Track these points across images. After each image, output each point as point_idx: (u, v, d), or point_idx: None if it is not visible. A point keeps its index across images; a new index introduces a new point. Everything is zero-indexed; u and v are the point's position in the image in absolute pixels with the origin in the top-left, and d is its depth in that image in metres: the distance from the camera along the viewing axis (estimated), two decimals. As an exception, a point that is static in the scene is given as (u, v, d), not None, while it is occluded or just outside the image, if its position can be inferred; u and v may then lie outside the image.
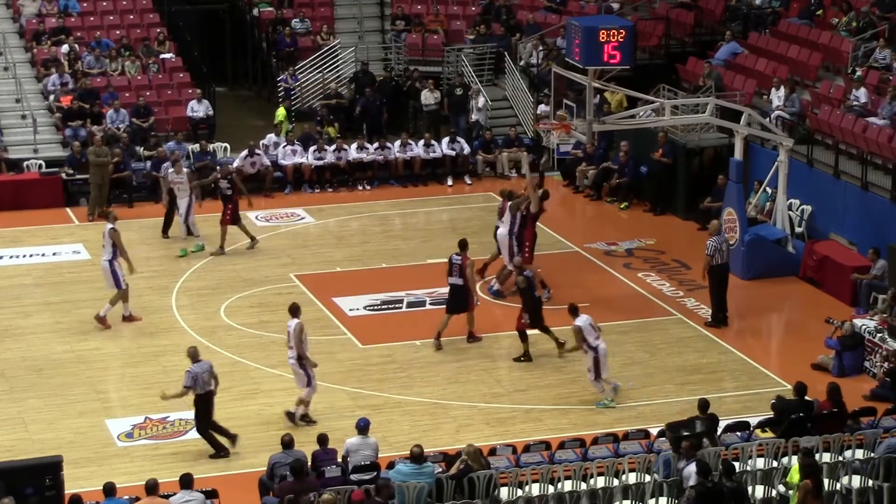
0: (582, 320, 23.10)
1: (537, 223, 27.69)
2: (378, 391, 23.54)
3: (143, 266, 29.15)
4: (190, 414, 22.47)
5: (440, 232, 31.75)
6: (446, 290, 26.69)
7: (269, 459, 19.42)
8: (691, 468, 18.33)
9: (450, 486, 18.84)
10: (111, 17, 38.97)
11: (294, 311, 22.49)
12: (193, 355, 21.46)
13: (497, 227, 27.81)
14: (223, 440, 21.37)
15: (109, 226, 26.04)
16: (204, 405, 21.23)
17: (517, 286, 24.97)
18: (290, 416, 22.25)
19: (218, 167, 31.54)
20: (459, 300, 25.35)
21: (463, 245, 25.70)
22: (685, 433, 19.43)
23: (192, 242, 29.86)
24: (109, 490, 18.11)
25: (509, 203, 27.25)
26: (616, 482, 19.31)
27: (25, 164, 33.85)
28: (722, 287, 26.22)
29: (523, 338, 24.72)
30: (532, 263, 27.01)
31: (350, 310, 26.89)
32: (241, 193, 30.05)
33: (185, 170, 30.05)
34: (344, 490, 18.49)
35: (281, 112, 36.29)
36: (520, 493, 19.16)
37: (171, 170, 30.44)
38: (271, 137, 35.03)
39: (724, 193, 29.36)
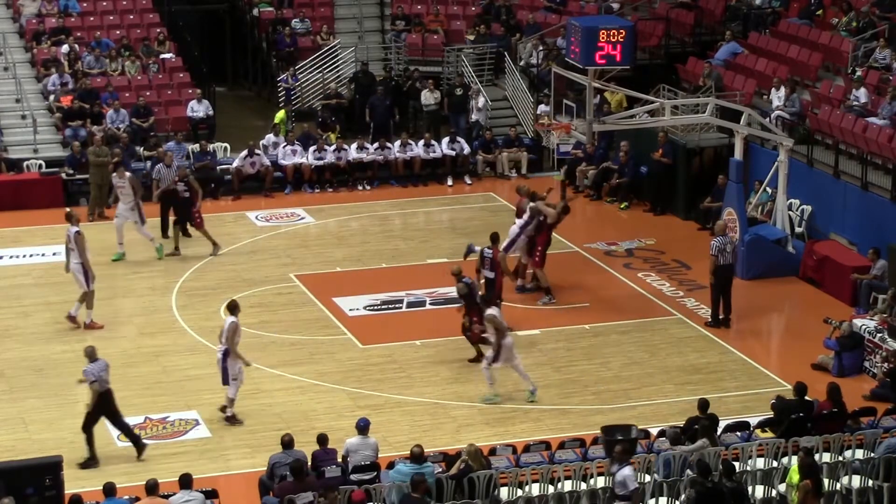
0: (494, 309, 23.23)
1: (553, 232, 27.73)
2: (378, 391, 23.54)
3: (143, 266, 29.22)
4: (190, 414, 22.53)
5: (440, 232, 31.76)
6: (446, 290, 26.77)
7: (269, 459, 19.41)
8: (624, 472, 18.34)
9: (450, 486, 18.84)
10: (111, 17, 38.98)
11: (232, 308, 22.68)
12: (90, 354, 21.38)
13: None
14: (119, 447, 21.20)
15: (74, 229, 25.89)
16: (104, 403, 21.09)
17: (458, 293, 24.44)
18: (223, 411, 22.42)
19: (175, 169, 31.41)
20: (489, 291, 25.59)
21: (494, 238, 25.94)
22: (619, 437, 19.35)
23: (150, 247, 29.46)
24: (109, 490, 18.11)
25: (531, 204, 27.10)
26: (616, 482, 19.33)
27: (25, 164, 33.85)
28: (726, 288, 26.20)
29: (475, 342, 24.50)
30: (542, 269, 27.05)
31: (350, 310, 26.89)
32: (197, 195, 29.73)
33: (127, 174, 29.36)
34: (344, 490, 18.51)
35: (280, 115, 36.24)
36: (520, 493, 19.16)
37: (161, 168, 30.53)
38: (270, 138, 35.04)
39: (724, 193, 29.37)
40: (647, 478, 19.31)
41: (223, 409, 22.47)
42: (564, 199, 29.38)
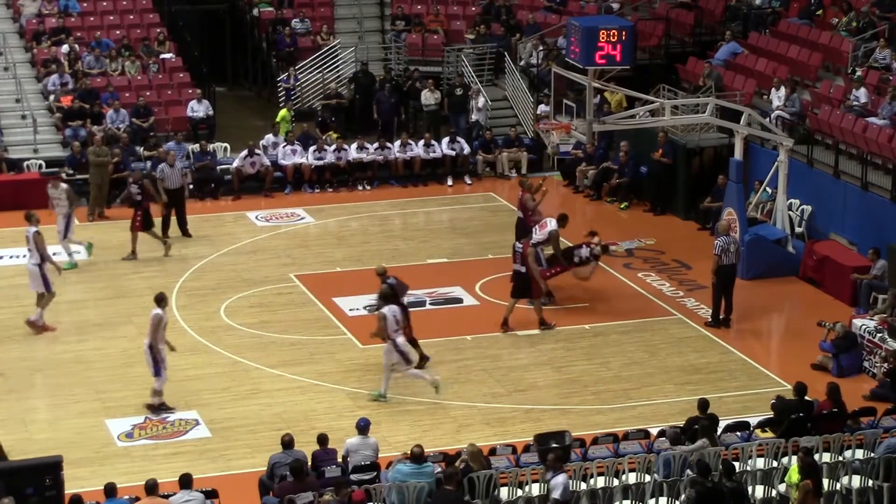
0: (389, 310, 23.09)
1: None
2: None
3: (142, 266, 29.22)
4: (190, 414, 22.53)
5: (440, 232, 31.76)
6: (446, 289, 26.82)
7: (269, 459, 19.41)
8: (557, 480, 18.33)
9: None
10: (111, 17, 38.99)
11: (159, 300, 22.76)
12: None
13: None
14: None
15: (33, 229, 25.88)
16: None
17: (380, 294, 23.97)
18: (150, 408, 22.50)
19: (129, 172, 31.32)
20: (523, 286, 25.77)
21: (524, 233, 26.19)
22: (553, 445, 19.29)
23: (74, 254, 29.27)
24: (110, 491, 18.10)
25: (551, 229, 26.77)
26: (616, 482, 19.32)
27: (25, 164, 33.86)
28: (728, 288, 26.19)
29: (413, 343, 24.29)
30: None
31: (350, 310, 26.88)
32: (154, 199, 29.69)
33: (62, 185, 29.14)
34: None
35: (283, 113, 36.23)
36: (520, 493, 19.15)
37: (164, 168, 30.54)
38: (270, 138, 35.03)
39: (724, 193, 29.37)
40: (647, 478, 19.32)
41: (149, 405, 22.58)
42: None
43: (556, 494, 18.32)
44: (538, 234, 26.49)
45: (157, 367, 22.47)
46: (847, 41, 33.02)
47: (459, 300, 27.47)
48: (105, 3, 39.33)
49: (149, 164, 33.28)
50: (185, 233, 30.71)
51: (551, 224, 26.67)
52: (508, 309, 25.84)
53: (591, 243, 27.18)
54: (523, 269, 25.72)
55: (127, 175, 32.77)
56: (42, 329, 25.79)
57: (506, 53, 37.92)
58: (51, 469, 18.49)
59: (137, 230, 29.43)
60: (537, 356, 24.94)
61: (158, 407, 22.56)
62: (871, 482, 19.71)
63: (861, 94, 30.33)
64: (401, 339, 23.12)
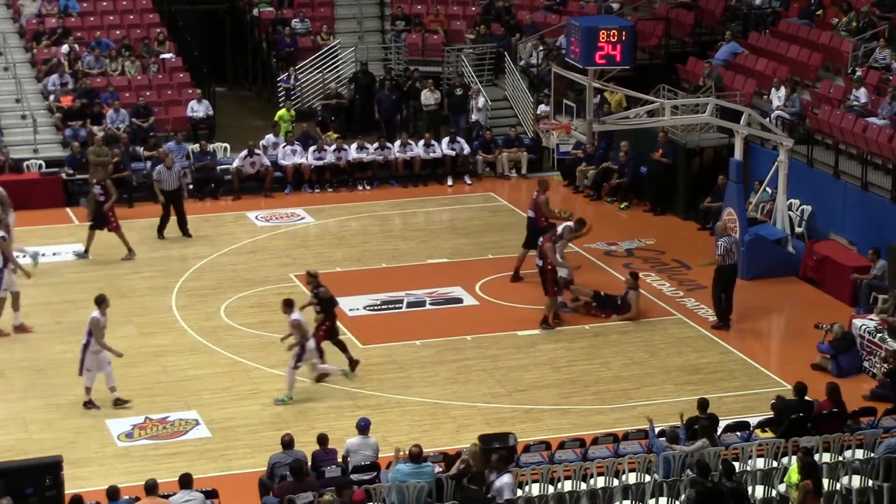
0: (299, 314, 23.16)
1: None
2: (378, 391, 23.54)
3: (142, 266, 29.22)
4: (190, 414, 22.53)
5: (440, 232, 31.76)
6: (446, 289, 26.82)
7: (269, 459, 19.42)
8: (502, 480, 18.33)
9: (450, 485, 18.83)
10: (111, 17, 38.98)
11: (98, 302, 22.91)
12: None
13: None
14: None
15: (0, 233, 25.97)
16: None
17: (321, 297, 24.03)
18: (88, 404, 22.74)
19: (128, 172, 31.29)
20: (544, 282, 25.89)
21: (547, 228, 26.27)
22: (497, 445, 19.25)
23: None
24: (113, 494, 18.06)
25: (568, 224, 26.95)
26: (616, 482, 19.32)
27: (25, 164, 33.85)
28: (730, 288, 26.18)
29: (341, 348, 24.20)
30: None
31: (350, 310, 26.87)
32: (111, 199, 29.50)
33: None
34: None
35: (281, 113, 36.21)
36: (520, 493, 19.14)
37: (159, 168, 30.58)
38: (270, 138, 35.03)
39: (724, 193, 29.36)
40: (647, 478, 19.32)
41: (87, 403, 22.76)
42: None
43: (506, 495, 18.27)
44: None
45: (81, 366, 22.69)
46: (847, 41, 33.02)
47: (459, 300, 27.47)
48: (105, 3, 39.32)
49: (149, 164, 33.30)
50: (185, 233, 30.71)
51: (543, 201, 27.30)
52: (546, 306, 25.94)
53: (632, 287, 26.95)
54: (540, 263, 25.89)
55: (127, 175, 32.88)
56: (22, 329, 25.82)
57: (506, 53, 37.92)
58: (51, 469, 18.50)
59: (117, 230, 29.34)
60: (537, 356, 24.94)
61: (87, 403, 22.75)
62: (871, 482, 19.70)
63: (861, 94, 30.33)
64: (311, 343, 23.12)
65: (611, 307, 26.45)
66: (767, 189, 29.96)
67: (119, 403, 22.79)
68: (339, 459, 19.58)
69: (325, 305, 24.12)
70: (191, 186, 32.76)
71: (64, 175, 33.23)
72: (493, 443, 19.42)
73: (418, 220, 32.77)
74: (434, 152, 34.91)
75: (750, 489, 19.37)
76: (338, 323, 24.52)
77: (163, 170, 30.67)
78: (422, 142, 35.03)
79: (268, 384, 23.68)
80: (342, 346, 24.18)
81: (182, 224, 30.81)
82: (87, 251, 29.58)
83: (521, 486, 19.23)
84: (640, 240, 30.93)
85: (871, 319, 24.75)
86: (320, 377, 23.62)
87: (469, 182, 34.98)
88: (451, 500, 18.63)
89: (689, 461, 19.16)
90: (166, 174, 30.54)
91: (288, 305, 23.38)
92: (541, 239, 26.25)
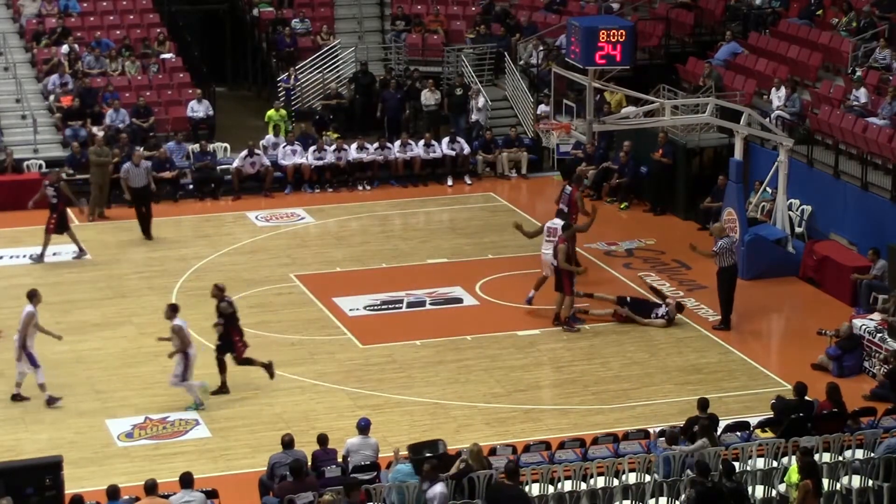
0: (182, 321, 22.88)
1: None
2: (378, 391, 23.54)
3: (142, 266, 29.23)
4: (190, 414, 22.53)
5: (440, 232, 31.76)
6: (446, 289, 26.82)
7: (269, 459, 19.41)
8: (435, 489, 18.25)
9: (450, 485, 18.82)
10: (111, 17, 38.97)
11: (29, 297, 22.92)
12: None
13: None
14: None
15: None
16: None
17: (222, 312, 23.59)
18: (50, 400, 22.74)
19: (44, 175, 31.18)
20: (557, 280, 25.90)
21: (565, 227, 26.20)
22: (428, 454, 19.08)
23: None
24: (113, 493, 18.08)
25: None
26: (616, 482, 19.32)
27: (25, 164, 33.85)
28: (730, 289, 26.16)
29: (248, 362, 23.70)
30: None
31: (350, 310, 26.88)
32: (70, 202, 29.53)
33: None
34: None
35: (270, 113, 36.05)
36: (520, 493, 19.15)
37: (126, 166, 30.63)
38: (270, 138, 35.05)
39: (724, 193, 29.36)
40: (647, 478, 19.32)
41: (48, 400, 22.78)
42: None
43: (440, 502, 18.20)
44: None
45: (34, 360, 22.70)
46: (847, 41, 33.03)
47: (459, 300, 27.48)
48: (105, 3, 39.32)
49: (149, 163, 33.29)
50: (147, 235, 30.42)
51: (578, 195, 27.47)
52: (556, 304, 25.94)
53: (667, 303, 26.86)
54: (555, 263, 25.94)
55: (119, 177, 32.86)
56: None
57: (506, 53, 37.92)
58: (51, 469, 18.49)
59: (51, 232, 29.09)
60: (537, 356, 24.94)
61: (51, 398, 22.74)
62: (871, 482, 19.71)
63: (861, 94, 30.34)
64: (192, 350, 22.84)
65: (646, 311, 26.28)
66: (767, 189, 29.96)
67: (18, 399, 22.86)
68: (339, 459, 19.58)
69: (229, 320, 23.60)
70: (190, 186, 32.71)
71: (64, 175, 33.16)
72: (423, 452, 19.20)
73: (418, 220, 32.77)
74: (434, 152, 34.91)
75: (750, 489, 19.37)
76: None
77: (131, 167, 30.63)
78: (422, 142, 35.03)
79: (268, 384, 23.67)
80: (224, 367, 23.42)
81: (145, 224, 30.54)
82: (81, 250, 29.48)
83: (520, 485, 19.23)
84: (640, 240, 30.93)
85: (871, 319, 24.75)
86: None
87: (469, 182, 34.98)
88: (450, 499, 18.59)
89: (689, 461, 19.18)
90: (134, 171, 30.51)
91: (173, 310, 23.00)
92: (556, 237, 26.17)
